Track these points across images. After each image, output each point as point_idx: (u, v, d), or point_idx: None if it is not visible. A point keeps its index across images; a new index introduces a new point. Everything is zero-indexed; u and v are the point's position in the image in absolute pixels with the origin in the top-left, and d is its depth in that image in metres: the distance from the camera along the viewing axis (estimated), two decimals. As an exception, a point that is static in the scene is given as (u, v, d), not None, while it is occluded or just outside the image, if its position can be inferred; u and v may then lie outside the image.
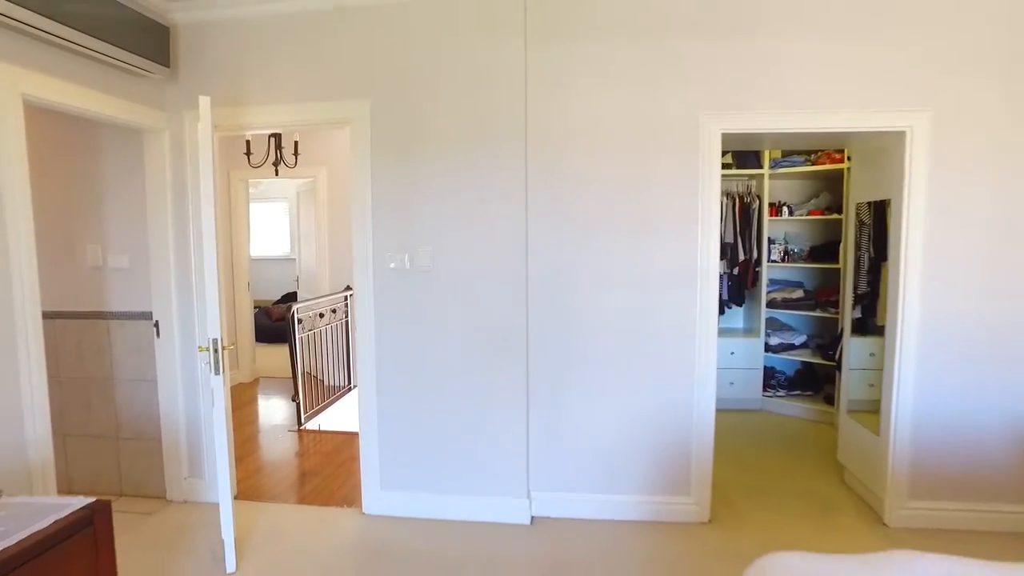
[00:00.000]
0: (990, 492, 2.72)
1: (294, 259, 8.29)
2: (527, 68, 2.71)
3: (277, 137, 4.93)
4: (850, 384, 3.34)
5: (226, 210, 5.44)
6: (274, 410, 4.89)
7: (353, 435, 3.90)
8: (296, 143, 4.99)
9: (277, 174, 5.14)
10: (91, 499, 1.77)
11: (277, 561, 2.56)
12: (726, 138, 2.75)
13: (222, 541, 2.46)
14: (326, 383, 5.07)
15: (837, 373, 3.82)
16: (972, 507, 2.73)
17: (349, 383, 5.27)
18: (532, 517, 2.88)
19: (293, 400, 4.52)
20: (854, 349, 3.31)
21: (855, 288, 3.30)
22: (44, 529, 1.58)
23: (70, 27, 2.21)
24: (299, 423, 4.36)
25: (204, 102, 2.37)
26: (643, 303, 2.79)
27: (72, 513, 1.68)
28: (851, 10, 2.57)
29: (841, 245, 4.25)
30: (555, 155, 2.76)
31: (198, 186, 2.73)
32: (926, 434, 2.74)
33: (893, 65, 2.58)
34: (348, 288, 5.14)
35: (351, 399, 4.94)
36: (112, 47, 2.42)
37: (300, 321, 4.53)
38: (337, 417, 4.59)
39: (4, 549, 1.47)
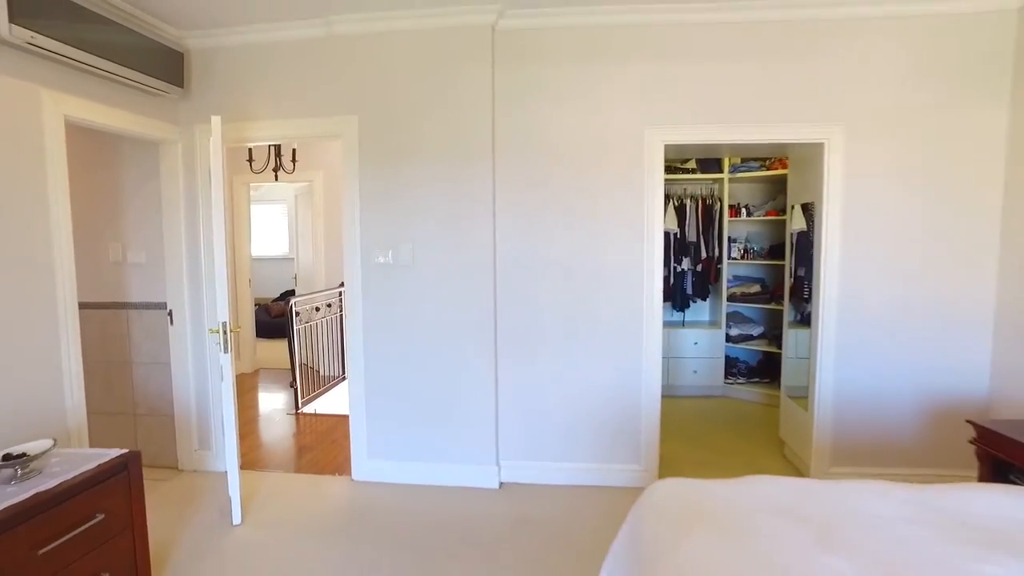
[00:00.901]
0: (898, 457, 3.12)
1: (292, 258, 8.65)
2: (495, 89, 3.10)
3: (277, 145, 5.32)
4: (792, 371, 3.72)
5: (229, 212, 5.73)
6: (273, 397, 5.25)
7: (346, 417, 4.19)
8: (294, 150, 5.38)
9: (277, 179, 5.53)
10: (125, 450, 2.16)
11: (276, 516, 2.95)
12: (688, 147, 3.13)
13: (229, 499, 2.85)
14: (321, 373, 5.45)
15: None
16: (884, 471, 3.10)
17: (343, 373, 5.61)
18: (501, 482, 3.27)
19: (291, 386, 4.90)
20: (807, 340, 3.61)
21: (812, 283, 3.61)
22: (91, 470, 1.98)
23: (102, 57, 2.60)
24: (297, 407, 4.74)
25: (216, 121, 2.74)
26: (596, 295, 3.18)
27: (111, 460, 2.08)
28: (774, 38, 2.97)
29: (786, 243, 4.60)
30: (519, 165, 3.15)
31: (208, 192, 3.13)
32: (844, 408, 3.14)
33: (811, 84, 2.98)
34: (342, 285, 5.50)
35: (345, 387, 5.29)
36: (136, 72, 2.81)
37: (298, 314, 4.91)
38: (332, 403, 4.94)
39: (61, 483, 1.87)
